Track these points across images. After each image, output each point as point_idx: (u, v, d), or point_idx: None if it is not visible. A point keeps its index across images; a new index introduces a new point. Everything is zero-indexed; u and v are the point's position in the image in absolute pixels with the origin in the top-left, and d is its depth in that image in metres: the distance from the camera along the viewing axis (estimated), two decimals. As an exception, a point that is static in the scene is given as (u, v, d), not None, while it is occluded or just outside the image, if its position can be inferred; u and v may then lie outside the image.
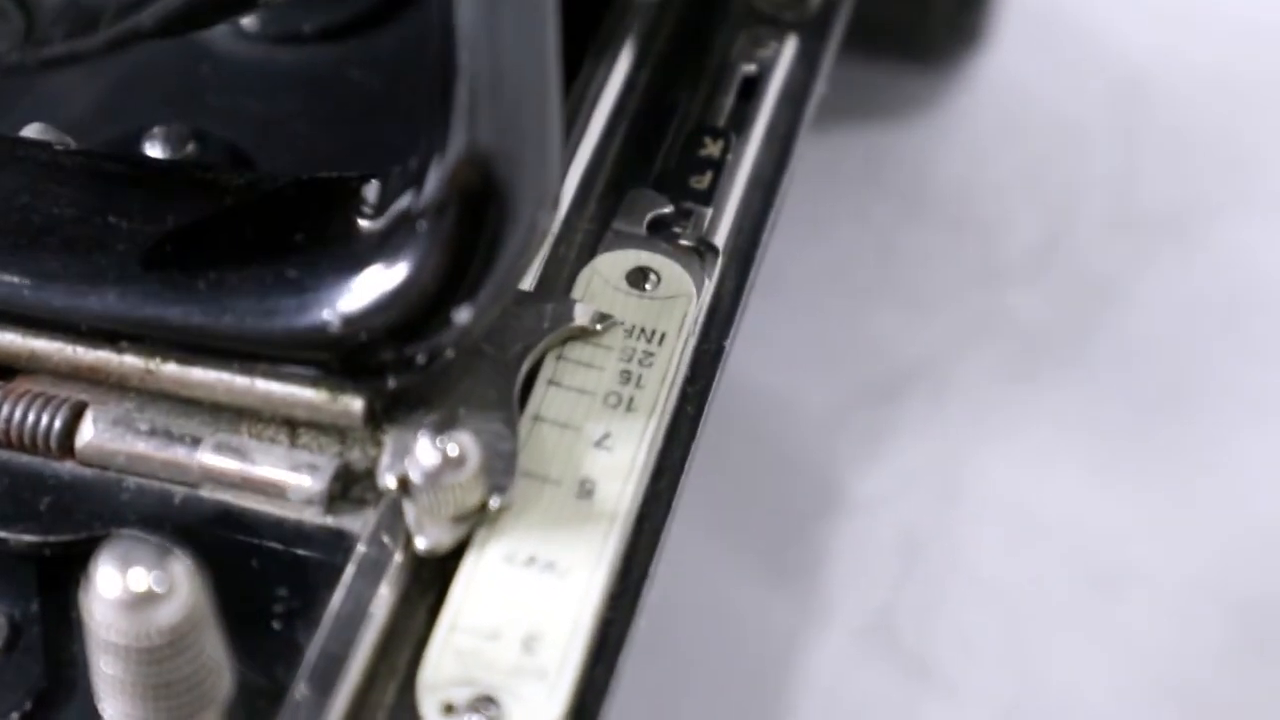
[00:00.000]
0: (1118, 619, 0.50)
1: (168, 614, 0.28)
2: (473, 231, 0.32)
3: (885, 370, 0.56)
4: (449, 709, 0.31)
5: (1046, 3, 0.65)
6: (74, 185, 0.35)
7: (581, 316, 0.37)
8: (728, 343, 0.39)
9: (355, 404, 0.34)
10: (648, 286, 0.38)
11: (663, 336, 0.37)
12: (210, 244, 0.34)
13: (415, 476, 0.32)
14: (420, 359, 0.33)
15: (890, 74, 0.64)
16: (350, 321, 0.33)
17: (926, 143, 0.63)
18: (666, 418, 0.36)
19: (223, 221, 0.34)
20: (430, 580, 0.34)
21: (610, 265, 0.38)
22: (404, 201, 0.32)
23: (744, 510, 0.52)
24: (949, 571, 0.51)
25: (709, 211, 0.40)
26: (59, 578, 0.34)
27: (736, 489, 0.52)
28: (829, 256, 0.60)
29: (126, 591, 0.28)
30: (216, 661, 0.30)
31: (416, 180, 0.32)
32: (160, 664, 0.29)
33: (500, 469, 0.34)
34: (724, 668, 0.49)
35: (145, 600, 0.28)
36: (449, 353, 0.33)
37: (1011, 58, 0.64)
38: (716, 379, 0.38)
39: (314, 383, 0.34)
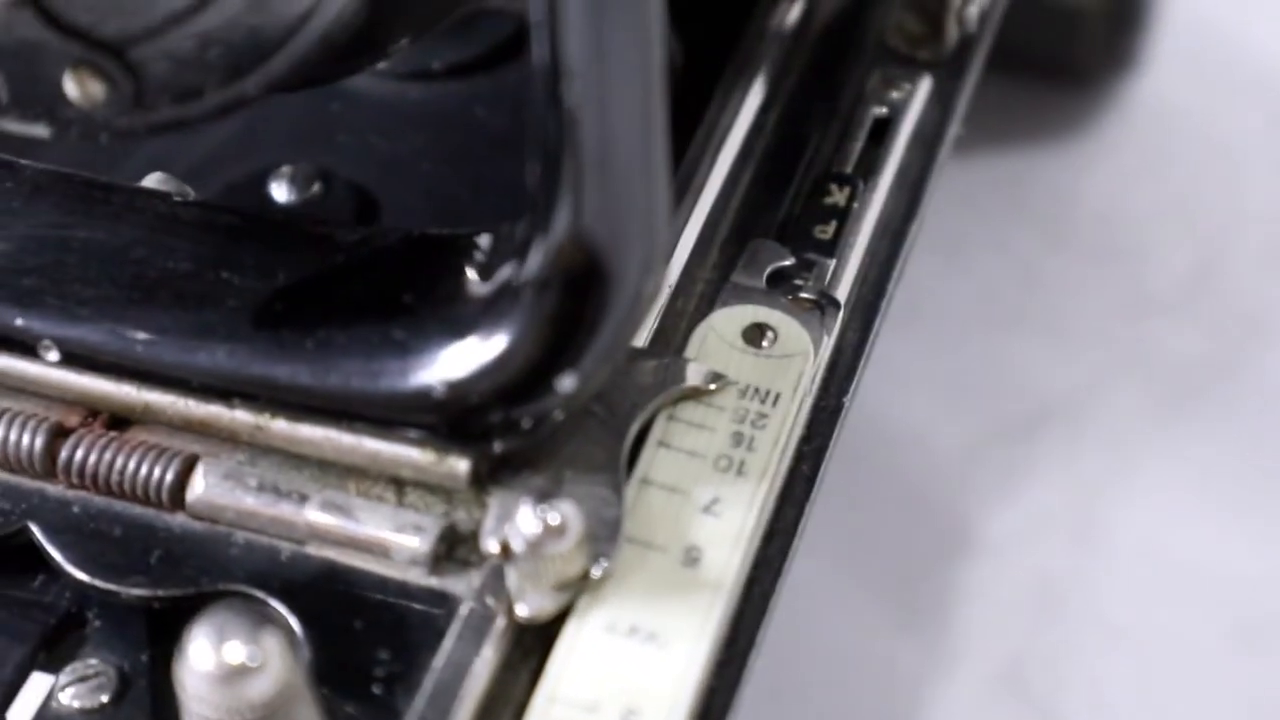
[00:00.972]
0: (1260, 672, 0.49)
1: (259, 688, 0.28)
2: (576, 305, 0.31)
3: (1023, 406, 0.55)
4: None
5: (1203, 25, 0.64)
6: (189, 239, 0.35)
7: (694, 376, 0.36)
8: (847, 399, 0.38)
9: (461, 465, 0.34)
10: (764, 344, 0.37)
11: (777, 397, 0.36)
12: (320, 302, 0.34)
13: (516, 545, 0.32)
14: (525, 423, 0.33)
15: (1036, 96, 0.63)
16: (454, 386, 0.33)
17: (1072, 169, 0.62)
18: (779, 481, 0.35)
19: (333, 279, 0.34)
20: (531, 646, 0.33)
21: (726, 321, 0.38)
22: (508, 270, 0.32)
23: (873, 548, 0.51)
24: (1083, 618, 0.50)
25: (832, 263, 0.40)
26: (167, 630, 0.34)
27: (866, 526, 0.51)
28: (967, 286, 0.58)
29: (219, 665, 0.28)
30: (311, 732, 0.30)
31: (521, 251, 0.32)
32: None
33: (604, 535, 0.33)
34: (849, 713, 0.48)
35: (238, 674, 0.28)
36: (554, 417, 0.33)
37: (1165, 82, 0.63)
38: (835, 437, 0.38)
39: (420, 443, 0.34)
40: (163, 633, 0.35)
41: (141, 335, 0.34)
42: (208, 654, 0.28)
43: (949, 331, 0.57)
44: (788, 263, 0.39)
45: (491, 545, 0.33)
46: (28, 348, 0.35)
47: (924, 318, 0.57)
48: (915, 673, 0.49)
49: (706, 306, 0.38)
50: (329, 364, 0.33)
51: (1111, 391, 0.55)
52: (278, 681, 0.28)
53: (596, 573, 0.33)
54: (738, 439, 0.36)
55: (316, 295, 0.34)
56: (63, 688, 0.34)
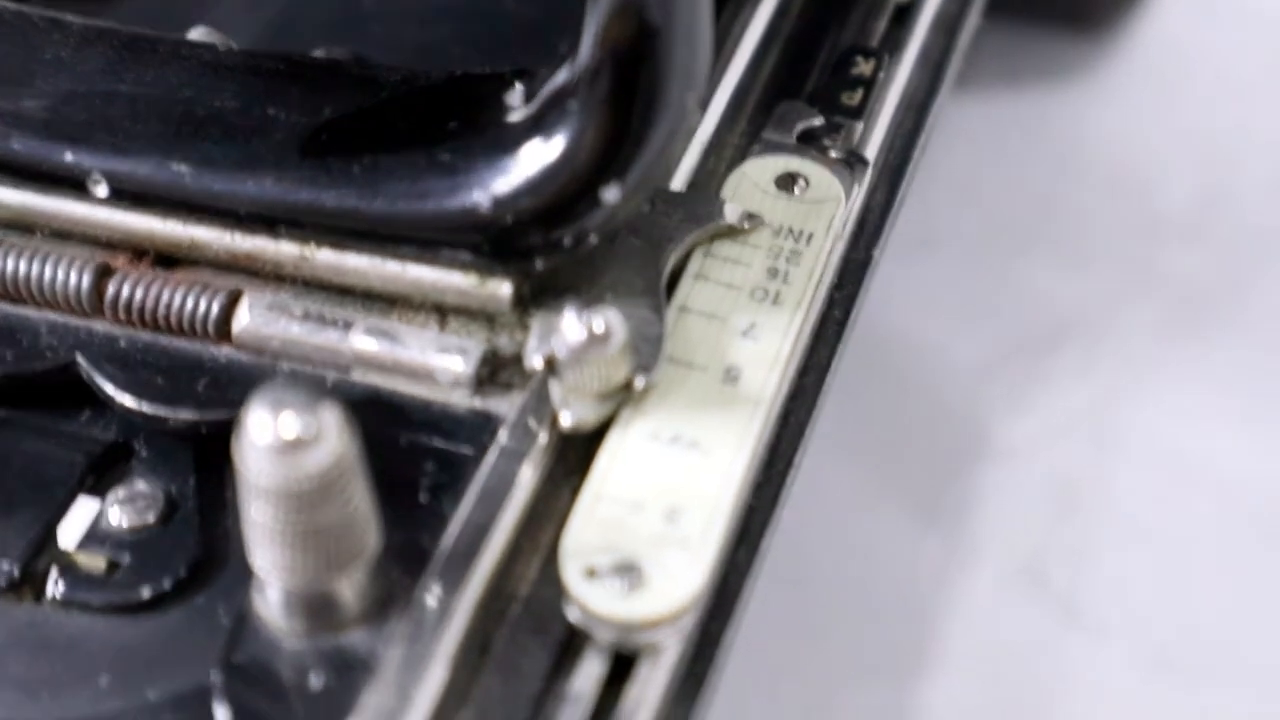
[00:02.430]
0: (1273, 565, 0.49)
1: (317, 459, 0.29)
2: (623, 103, 0.32)
3: (1039, 323, 0.55)
4: (591, 573, 0.31)
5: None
6: (234, 81, 0.36)
7: (730, 215, 0.37)
8: (877, 252, 0.39)
9: (503, 288, 0.34)
10: (796, 190, 0.38)
11: (810, 236, 0.37)
12: (366, 132, 0.35)
13: (561, 352, 0.33)
14: (568, 241, 0.34)
15: (1046, 38, 0.64)
16: (501, 202, 0.33)
17: (1082, 104, 0.62)
18: (813, 315, 0.36)
19: (378, 111, 0.35)
20: (574, 462, 0.34)
21: (759, 169, 0.38)
22: (557, 80, 0.33)
23: (894, 453, 0.52)
24: (1102, 516, 0.50)
25: (860, 126, 0.41)
26: (213, 456, 0.35)
27: (887, 433, 0.52)
28: (981, 216, 0.59)
29: (277, 437, 0.29)
30: (364, 514, 0.30)
31: (568, 60, 0.32)
32: (310, 510, 0.29)
33: (646, 351, 0.34)
34: (871, 604, 0.48)
35: (296, 445, 0.29)
36: (595, 236, 0.34)
37: (1171, 20, 0.64)
38: (864, 286, 0.38)
39: (463, 267, 0.35)
40: (209, 460, 0.35)
41: (190, 166, 0.35)
42: (266, 426, 0.29)
43: (964, 257, 0.57)
44: (817, 123, 0.40)
45: (536, 361, 0.34)
46: (76, 185, 0.36)
47: (938, 245, 0.58)
48: (938, 568, 0.49)
49: (739, 159, 0.39)
50: (376, 187, 0.34)
51: (1126, 308, 0.56)
52: (334, 454, 0.29)
53: (639, 383, 0.33)
54: (773, 273, 0.36)
55: (362, 125, 0.35)
56: (110, 508, 0.34)
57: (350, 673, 0.30)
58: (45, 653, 0.32)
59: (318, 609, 0.31)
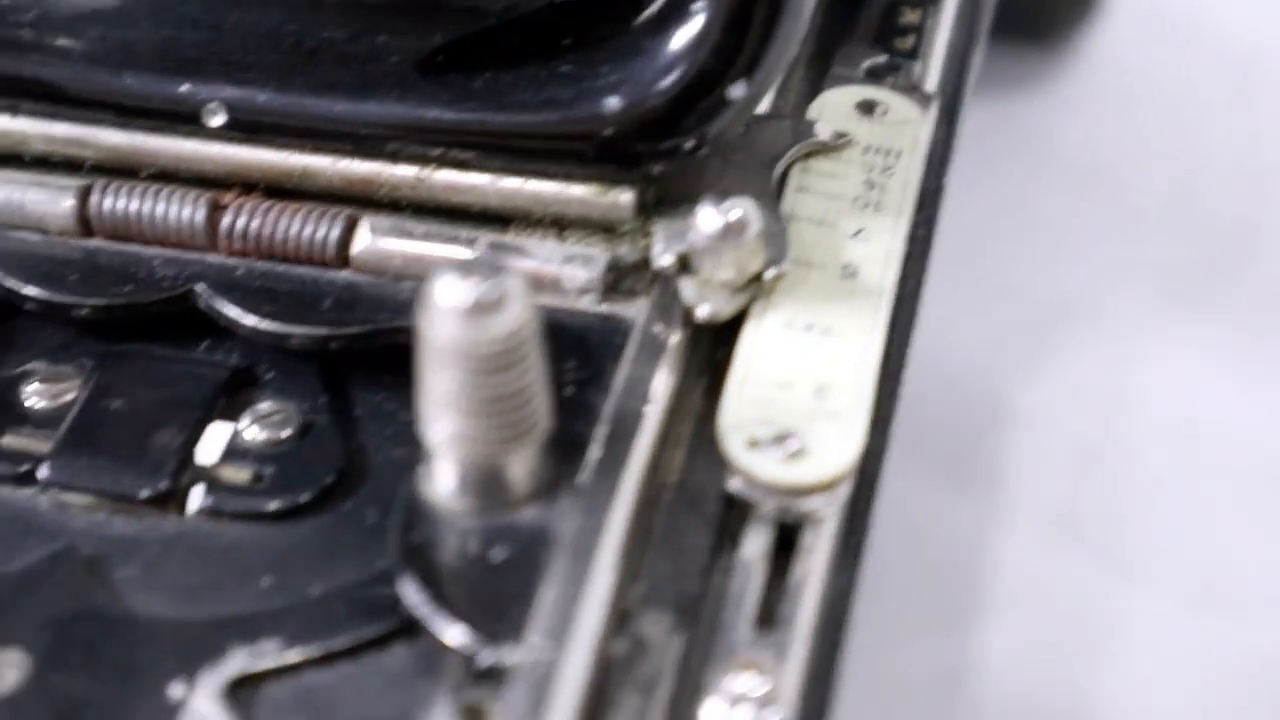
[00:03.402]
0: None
1: (503, 323, 0.29)
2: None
3: (1040, 304, 0.57)
4: (753, 444, 0.32)
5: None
6: (341, 14, 0.37)
7: (823, 132, 0.38)
8: (945, 180, 0.40)
9: (625, 196, 0.35)
10: (876, 115, 0.39)
11: (898, 154, 0.38)
12: (481, 50, 0.36)
13: (699, 242, 0.34)
14: (691, 143, 0.35)
15: (1006, 51, 0.66)
16: (630, 104, 0.34)
17: (1048, 113, 0.65)
18: (911, 219, 0.37)
19: (495, 29, 0.36)
20: (704, 357, 0.35)
21: (838, 98, 0.40)
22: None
23: (919, 422, 0.53)
24: (1126, 472, 0.52)
25: (917, 64, 0.42)
26: (343, 374, 0.35)
27: (908, 403, 0.53)
28: (966, 214, 0.61)
29: (465, 301, 0.29)
30: (540, 387, 0.31)
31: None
32: (492, 376, 0.30)
33: (773, 245, 0.35)
34: (917, 561, 0.49)
35: (483, 309, 0.29)
36: (717, 138, 0.35)
37: (1124, 33, 0.67)
38: (939, 210, 0.40)
39: (584, 178, 0.35)
40: (335, 379, 0.35)
41: (309, 90, 0.36)
42: (454, 290, 0.29)
43: (958, 248, 0.59)
44: (881, 60, 0.42)
45: (664, 261, 0.35)
46: (189, 118, 0.36)
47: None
48: (975, 526, 0.50)
49: (808, 99, 0.40)
50: (498, 100, 0.35)
51: (1121, 288, 0.58)
52: (518, 319, 0.30)
53: (770, 274, 0.34)
54: (869, 184, 0.38)
55: (480, 43, 0.36)
56: (246, 427, 0.34)
57: (530, 546, 0.31)
58: (202, 560, 0.33)
59: (490, 487, 0.31)
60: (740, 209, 0.34)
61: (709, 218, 0.34)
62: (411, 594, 0.30)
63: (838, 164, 0.38)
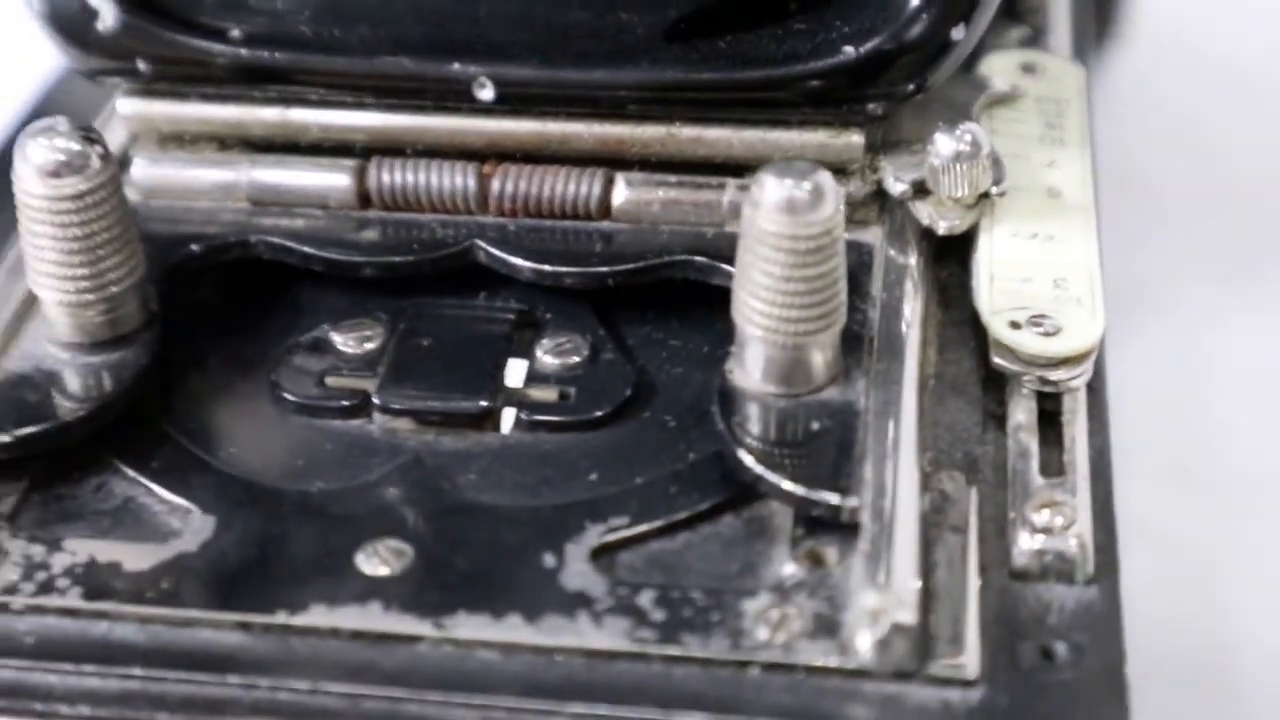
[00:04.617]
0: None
1: (820, 214, 0.34)
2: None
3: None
4: (1015, 325, 0.37)
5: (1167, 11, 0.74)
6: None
7: (1001, 84, 0.43)
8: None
9: (856, 138, 0.40)
10: (1037, 73, 0.45)
11: (1067, 100, 0.44)
12: (723, 14, 0.40)
13: (937, 164, 0.39)
14: (915, 85, 0.40)
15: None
16: (861, 53, 0.39)
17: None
18: (1092, 153, 0.43)
19: (724, 4, 0.41)
20: (937, 271, 0.40)
21: (1001, 62, 0.45)
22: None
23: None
24: (1220, 422, 0.57)
25: (1051, 35, 0.48)
26: (611, 312, 0.40)
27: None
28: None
29: (787, 196, 0.34)
30: (842, 280, 0.35)
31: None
32: (807, 265, 0.34)
33: (995, 167, 0.40)
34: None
35: (802, 203, 0.34)
36: (937, 78, 0.40)
37: (1140, 58, 0.73)
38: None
39: (819, 124, 0.40)
40: (608, 315, 0.40)
41: (566, 63, 0.40)
42: (778, 187, 0.34)
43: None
44: (1026, 30, 0.47)
45: (897, 189, 0.40)
46: (459, 95, 0.40)
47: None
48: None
49: (973, 62, 0.45)
50: (741, 58, 0.40)
51: (1172, 272, 0.63)
52: (831, 211, 0.34)
53: (997, 191, 0.39)
54: (1049, 125, 0.43)
55: (718, 11, 0.40)
56: (542, 356, 0.39)
57: (840, 418, 0.35)
58: (530, 464, 0.37)
59: (795, 373, 0.36)
60: (971, 132, 0.39)
61: (945, 142, 0.39)
62: (748, 463, 0.35)
63: (1016, 112, 0.43)
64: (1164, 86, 0.73)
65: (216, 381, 0.39)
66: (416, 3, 0.41)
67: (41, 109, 0.48)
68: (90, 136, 0.36)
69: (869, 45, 0.39)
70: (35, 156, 0.36)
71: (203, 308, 0.41)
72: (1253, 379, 0.59)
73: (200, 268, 0.40)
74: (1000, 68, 0.45)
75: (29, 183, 0.36)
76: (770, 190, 0.34)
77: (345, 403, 0.38)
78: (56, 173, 0.36)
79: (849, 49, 0.39)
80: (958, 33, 0.39)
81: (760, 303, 0.35)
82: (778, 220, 0.34)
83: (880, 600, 0.32)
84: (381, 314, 0.40)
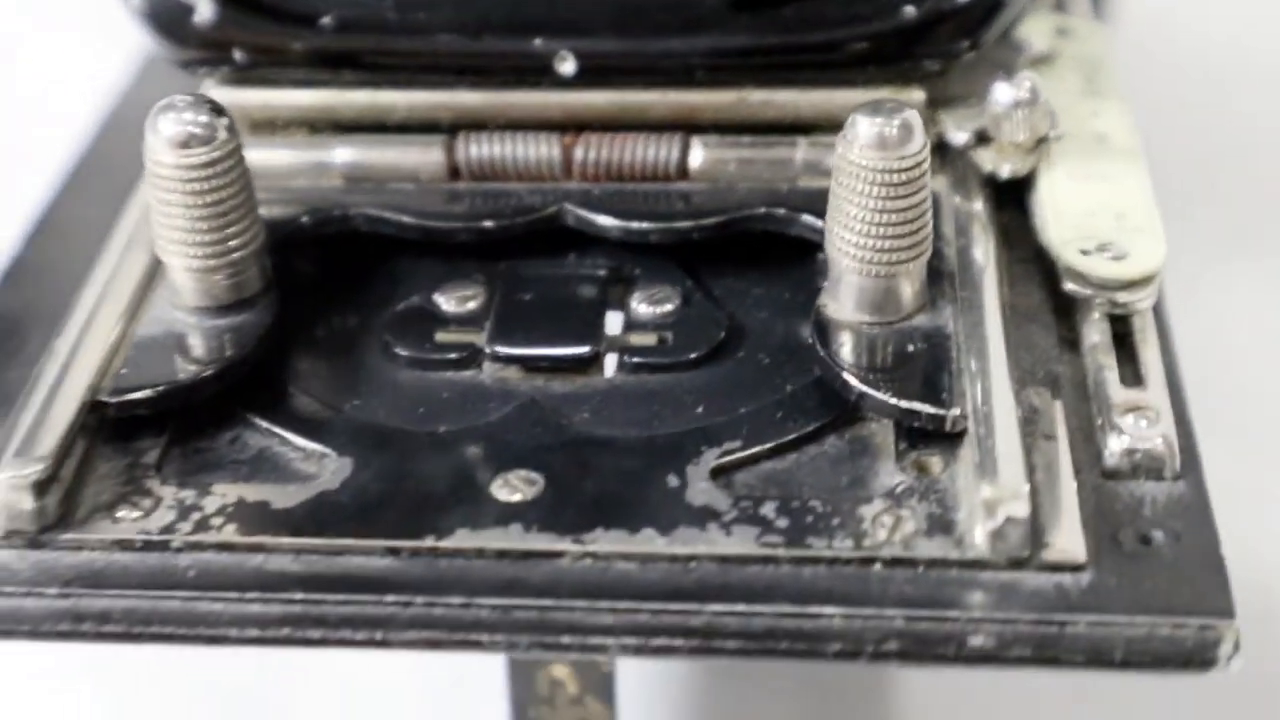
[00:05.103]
0: None
1: (910, 148, 0.37)
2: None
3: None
4: (1084, 252, 0.39)
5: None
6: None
7: (1040, 44, 0.46)
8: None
9: (918, 94, 0.43)
10: (1070, 35, 0.48)
11: (1100, 58, 0.47)
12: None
13: (999, 111, 0.41)
14: (969, 43, 0.42)
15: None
16: (923, 14, 0.42)
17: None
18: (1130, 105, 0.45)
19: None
20: (1001, 217, 0.42)
21: (1036, 25, 0.48)
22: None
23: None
24: (1237, 382, 0.60)
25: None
26: (693, 265, 0.42)
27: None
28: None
29: (880, 131, 0.37)
30: (929, 213, 0.38)
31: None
32: (899, 196, 0.37)
33: (1049, 114, 0.42)
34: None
35: (893, 140, 0.37)
36: (990, 38, 0.43)
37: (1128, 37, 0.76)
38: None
39: (882, 82, 0.43)
40: (692, 268, 0.42)
41: (642, 35, 0.43)
42: (870, 124, 0.37)
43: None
44: (1053, -1, 0.50)
45: (959, 138, 0.42)
46: (539, 69, 0.43)
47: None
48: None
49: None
50: (807, 23, 0.42)
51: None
52: (920, 145, 0.37)
53: (1054, 134, 0.42)
54: (1087, 79, 0.46)
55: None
56: (638, 306, 0.41)
57: (934, 341, 0.38)
58: (637, 402, 0.39)
59: (886, 302, 0.38)
60: (1030, 80, 0.41)
61: (1005, 90, 0.41)
62: (853, 384, 0.37)
63: (1055, 70, 0.46)
64: (1151, 66, 0.76)
65: (329, 343, 0.41)
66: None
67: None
68: (217, 109, 0.38)
69: (928, 5, 0.42)
70: (166, 129, 0.38)
71: (307, 277, 0.43)
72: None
73: (305, 240, 0.42)
74: (1036, 30, 0.47)
75: (160, 154, 0.38)
76: (863, 128, 0.37)
77: (455, 355, 0.40)
78: (186, 143, 0.38)
79: (910, 9, 0.42)
80: (1010, -3, 0.42)
81: (855, 235, 0.37)
82: (870, 155, 0.37)
83: (995, 493, 0.34)
84: (478, 276, 0.42)
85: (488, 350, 0.40)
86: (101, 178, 0.47)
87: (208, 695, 0.51)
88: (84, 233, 0.44)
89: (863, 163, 0.37)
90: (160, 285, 0.40)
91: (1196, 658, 0.33)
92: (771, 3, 0.43)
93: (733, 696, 0.50)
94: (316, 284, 0.43)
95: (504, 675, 0.43)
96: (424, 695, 0.49)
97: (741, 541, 0.35)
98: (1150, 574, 0.34)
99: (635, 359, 0.40)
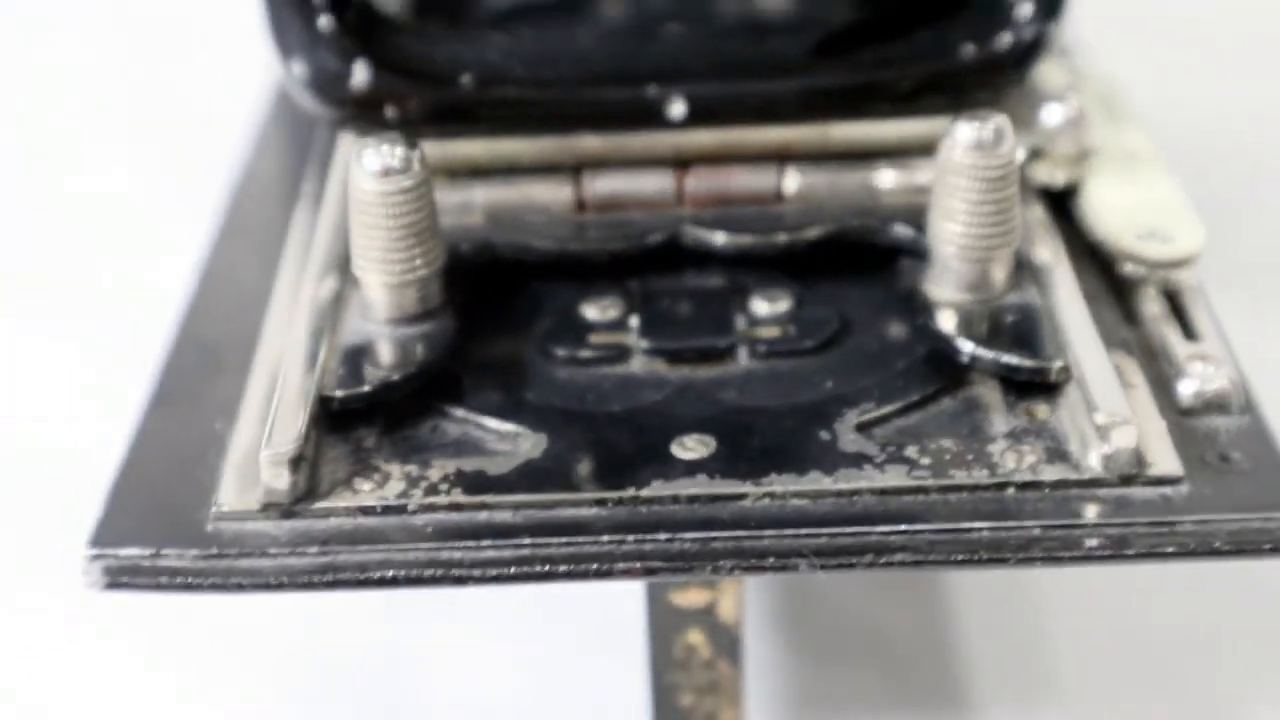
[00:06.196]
0: None
1: (1004, 149, 0.44)
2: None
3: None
4: (1139, 237, 0.47)
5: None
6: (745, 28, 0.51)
7: (1057, 81, 0.54)
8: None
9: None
10: (1080, 74, 0.55)
11: (1113, 92, 0.54)
12: (866, 31, 0.50)
13: (1053, 126, 0.49)
14: (1018, 77, 0.50)
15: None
16: (982, 55, 0.49)
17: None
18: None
19: (871, 19, 0.51)
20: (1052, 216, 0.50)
21: (1048, 69, 0.56)
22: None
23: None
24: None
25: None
26: (798, 274, 0.49)
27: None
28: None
29: (977, 137, 0.44)
30: (1018, 205, 0.45)
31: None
32: (993, 190, 0.44)
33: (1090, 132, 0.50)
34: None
35: (986, 144, 0.44)
36: (1028, 74, 0.50)
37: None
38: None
39: (944, 111, 0.50)
40: (798, 275, 0.49)
41: (739, 79, 0.50)
42: (969, 130, 0.44)
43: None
44: (1058, 51, 0.58)
45: (1020, 154, 0.50)
46: (651, 114, 0.50)
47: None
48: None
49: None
50: (884, 64, 0.50)
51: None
52: (1011, 147, 0.44)
53: (1097, 145, 0.50)
54: (1107, 108, 0.53)
55: (861, 29, 0.50)
56: (759, 305, 0.48)
57: (1028, 313, 0.45)
58: (773, 381, 0.46)
59: (983, 281, 0.45)
60: (1077, 100, 0.49)
61: (1057, 109, 0.49)
62: (967, 349, 0.44)
63: (1075, 94, 0.54)
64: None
65: (495, 349, 0.47)
66: (610, 40, 0.50)
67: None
68: (412, 143, 0.45)
69: (985, 46, 0.49)
70: (370, 162, 0.45)
71: (465, 298, 0.49)
72: None
73: (461, 267, 0.49)
74: (1052, 72, 0.55)
75: (365, 183, 0.45)
76: (964, 133, 0.44)
77: (609, 353, 0.46)
78: (387, 173, 0.44)
79: (969, 48, 0.49)
80: (1052, 30, 0.50)
81: (958, 225, 0.45)
82: (972, 155, 0.44)
83: (1107, 419, 0.41)
84: (613, 292, 0.49)
85: (638, 346, 0.46)
86: (254, 232, 0.53)
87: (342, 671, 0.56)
88: (252, 264, 0.51)
89: (965, 161, 0.44)
90: (350, 303, 0.47)
91: (1284, 543, 0.40)
92: (849, 47, 0.50)
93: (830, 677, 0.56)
94: (472, 304, 0.49)
95: (644, 642, 0.49)
96: (568, 664, 0.55)
97: (895, 476, 0.42)
98: (1235, 483, 0.41)
99: (765, 348, 0.47)
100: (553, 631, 0.56)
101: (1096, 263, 0.48)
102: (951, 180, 0.45)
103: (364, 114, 0.50)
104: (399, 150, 0.45)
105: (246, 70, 0.74)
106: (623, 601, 0.55)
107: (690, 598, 0.47)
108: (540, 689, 0.54)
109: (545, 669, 0.54)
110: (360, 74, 0.49)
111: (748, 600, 0.49)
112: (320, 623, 0.56)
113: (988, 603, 0.56)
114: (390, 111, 0.50)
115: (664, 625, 0.48)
